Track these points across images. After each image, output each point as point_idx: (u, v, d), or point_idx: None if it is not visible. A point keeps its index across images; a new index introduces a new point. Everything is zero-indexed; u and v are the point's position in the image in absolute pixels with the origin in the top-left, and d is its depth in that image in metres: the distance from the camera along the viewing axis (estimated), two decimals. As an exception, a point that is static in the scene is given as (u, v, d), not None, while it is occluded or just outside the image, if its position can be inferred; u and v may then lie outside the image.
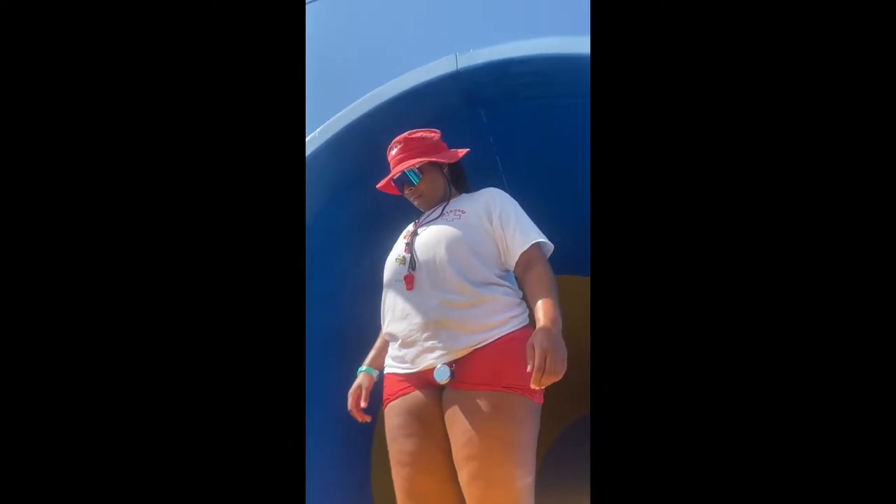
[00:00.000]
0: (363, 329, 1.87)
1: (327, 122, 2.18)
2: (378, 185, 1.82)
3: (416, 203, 1.80)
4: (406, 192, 1.79)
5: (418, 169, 1.74)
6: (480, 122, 2.28)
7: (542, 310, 1.49)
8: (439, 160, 1.77)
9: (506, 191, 1.86)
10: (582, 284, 2.62)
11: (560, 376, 1.39)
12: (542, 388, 1.42)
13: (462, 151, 1.80)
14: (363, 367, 1.78)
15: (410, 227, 1.76)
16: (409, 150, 1.76)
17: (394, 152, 1.78)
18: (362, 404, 1.71)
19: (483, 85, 2.16)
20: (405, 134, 1.79)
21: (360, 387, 1.74)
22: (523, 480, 1.43)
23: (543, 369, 1.36)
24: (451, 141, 1.96)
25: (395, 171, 1.75)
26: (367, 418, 1.72)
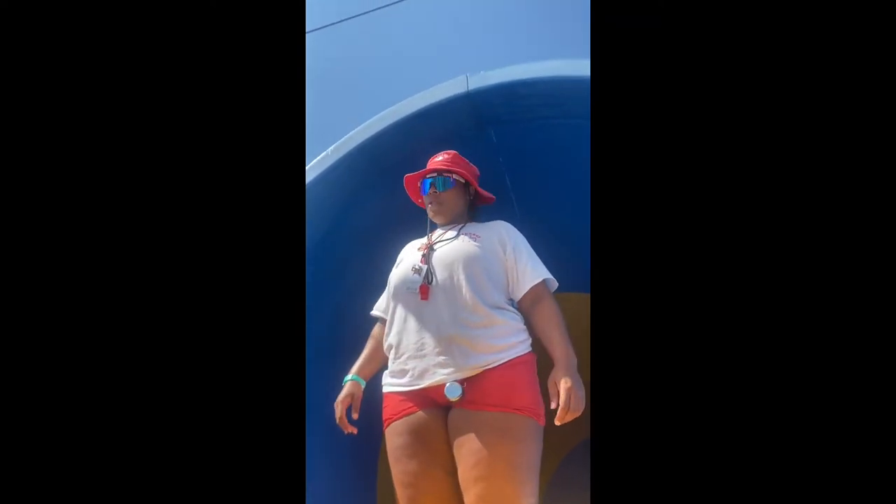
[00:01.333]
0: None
1: (339, 142, 2.20)
2: (409, 175, 1.84)
3: (432, 210, 1.81)
4: (430, 193, 1.80)
5: (453, 179, 1.79)
6: (490, 141, 2.30)
7: (559, 348, 1.54)
8: (475, 187, 1.82)
9: (515, 210, 1.88)
10: (587, 302, 2.62)
11: (580, 412, 1.45)
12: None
13: (491, 197, 1.86)
14: (350, 377, 1.77)
15: (423, 241, 1.78)
16: (455, 163, 1.82)
17: (439, 158, 1.83)
18: (354, 416, 1.71)
19: (493, 106, 2.18)
20: (455, 152, 1.86)
21: (349, 396, 1.73)
22: (528, 500, 1.44)
23: (568, 408, 1.43)
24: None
25: (432, 169, 1.80)
26: (354, 430, 1.71)
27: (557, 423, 1.44)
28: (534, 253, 1.71)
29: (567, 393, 1.44)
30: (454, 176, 1.79)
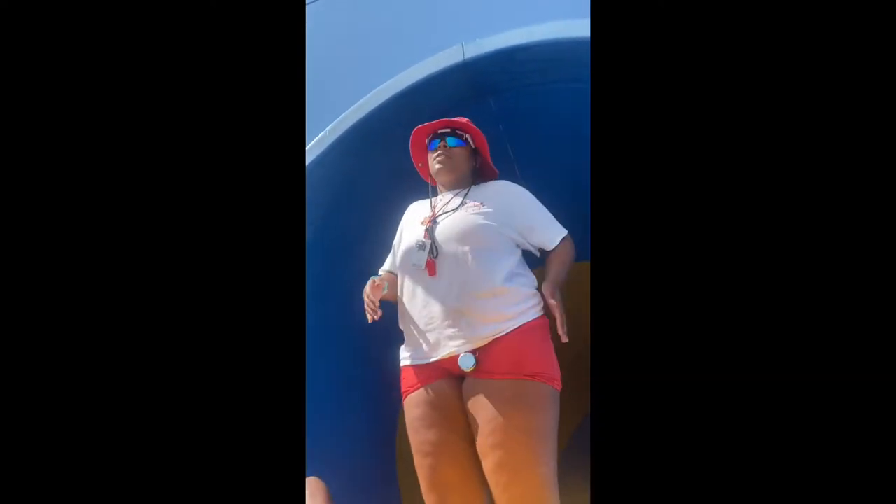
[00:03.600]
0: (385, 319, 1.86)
1: (336, 121, 2.17)
2: (419, 127, 1.82)
3: (436, 167, 1.79)
4: (439, 148, 1.78)
5: (465, 140, 1.78)
6: (490, 110, 2.26)
7: (550, 272, 1.65)
8: (485, 154, 1.81)
9: (519, 180, 1.86)
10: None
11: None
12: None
13: (495, 170, 1.87)
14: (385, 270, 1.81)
15: (426, 213, 1.76)
16: (468, 128, 1.80)
17: (457, 118, 1.82)
18: (378, 299, 1.65)
19: (491, 73, 2.14)
20: (468, 120, 1.84)
21: (384, 280, 1.70)
22: (548, 466, 1.47)
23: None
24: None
25: (447, 123, 1.78)
26: (379, 314, 1.65)
27: (564, 339, 1.52)
28: (546, 210, 1.76)
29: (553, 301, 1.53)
30: (467, 136, 1.78)
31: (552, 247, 1.68)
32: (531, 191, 1.91)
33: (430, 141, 1.82)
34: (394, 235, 1.89)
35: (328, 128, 2.16)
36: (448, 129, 1.78)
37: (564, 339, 1.50)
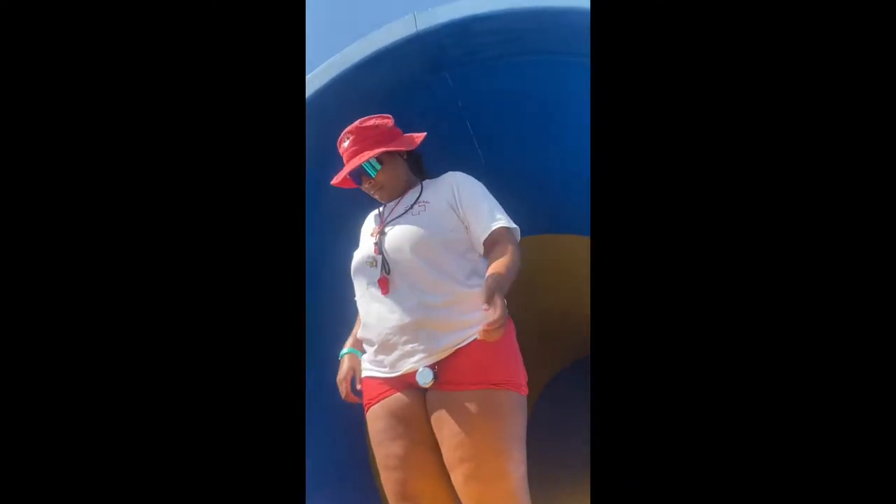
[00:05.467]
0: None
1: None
2: (333, 182, 1.69)
3: (376, 196, 1.70)
4: (365, 185, 1.67)
5: (376, 159, 1.62)
6: (446, 86, 2.15)
7: (491, 268, 1.46)
8: (397, 148, 1.65)
9: (480, 157, 1.76)
10: (563, 242, 2.56)
11: (494, 328, 1.34)
12: (491, 336, 1.35)
13: (419, 136, 1.69)
14: (346, 350, 1.70)
15: (374, 225, 1.67)
16: (363, 140, 1.63)
17: (345, 144, 1.65)
18: (358, 386, 1.63)
19: (446, 47, 2.02)
20: (355, 123, 1.65)
21: (350, 370, 1.65)
22: (518, 473, 1.44)
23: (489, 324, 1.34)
24: (417, 109, 1.83)
25: (351, 165, 1.62)
26: (359, 399, 1.63)
27: (480, 336, 1.35)
28: (492, 198, 1.60)
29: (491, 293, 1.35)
30: (375, 153, 1.61)
31: (483, 236, 1.55)
32: (494, 168, 1.81)
33: (352, 178, 1.68)
34: (347, 238, 1.77)
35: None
36: (356, 165, 1.63)
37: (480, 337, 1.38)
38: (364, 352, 1.66)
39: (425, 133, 1.68)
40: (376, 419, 1.55)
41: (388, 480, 1.52)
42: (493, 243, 1.54)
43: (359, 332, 1.64)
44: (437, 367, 1.48)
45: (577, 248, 2.33)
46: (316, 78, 1.99)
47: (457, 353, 1.48)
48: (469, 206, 1.58)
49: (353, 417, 2.11)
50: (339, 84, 1.97)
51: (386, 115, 1.68)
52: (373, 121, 1.66)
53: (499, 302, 1.35)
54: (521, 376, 1.52)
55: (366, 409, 1.59)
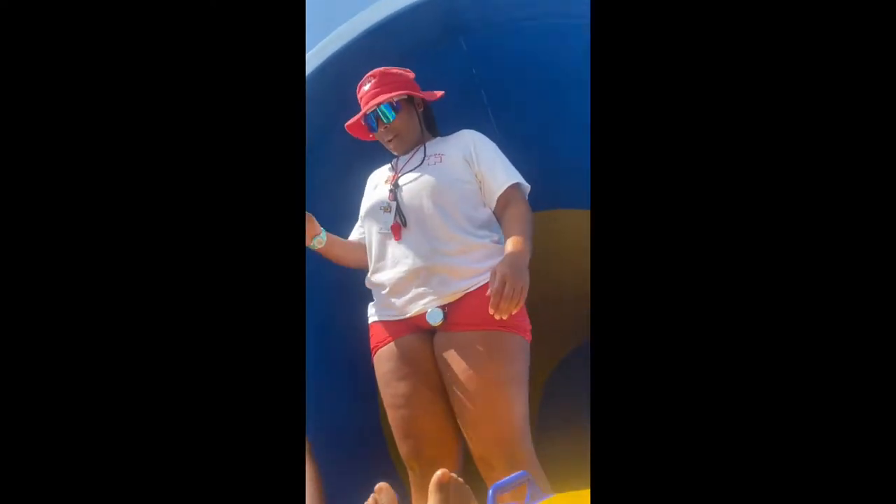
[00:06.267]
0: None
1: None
2: (348, 124, 1.72)
3: (389, 144, 1.71)
4: (380, 130, 1.69)
5: (396, 103, 1.65)
6: (460, 51, 2.11)
7: (511, 242, 1.51)
8: (419, 94, 1.68)
9: (493, 127, 1.77)
10: (577, 217, 2.53)
11: (516, 304, 1.41)
12: (502, 316, 1.41)
13: (438, 93, 1.71)
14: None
15: (388, 173, 1.70)
16: (385, 84, 1.66)
17: (366, 87, 1.68)
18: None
19: (460, 10, 1.98)
20: (380, 68, 1.68)
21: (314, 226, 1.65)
22: (521, 413, 1.48)
23: (501, 294, 1.38)
24: (431, 74, 1.81)
25: (371, 105, 1.65)
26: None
27: (491, 310, 1.40)
28: (502, 157, 1.65)
29: (502, 279, 1.39)
30: (395, 98, 1.64)
31: (502, 189, 1.59)
32: (507, 138, 1.80)
33: (366, 123, 1.71)
34: (357, 195, 1.78)
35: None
36: (374, 106, 1.65)
37: (491, 312, 1.41)
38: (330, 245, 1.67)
39: (444, 92, 1.71)
40: (384, 360, 1.59)
41: (394, 419, 1.56)
42: (506, 201, 1.60)
43: (370, 276, 1.66)
44: (447, 309, 1.53)
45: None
46: (330, 43, 1.97)
47: (466, 296, 1.53)
48: (485, 161, 1.62)
49: (355, 418, 2.14)
50: (353, 50, 1.94)
51: (408, 69, 1.72)
52: (396, 69, 1.70)
53: (513, 283, 1.39)
54: (527, 322, 1.56)
55: (373, 352, 1.64)
